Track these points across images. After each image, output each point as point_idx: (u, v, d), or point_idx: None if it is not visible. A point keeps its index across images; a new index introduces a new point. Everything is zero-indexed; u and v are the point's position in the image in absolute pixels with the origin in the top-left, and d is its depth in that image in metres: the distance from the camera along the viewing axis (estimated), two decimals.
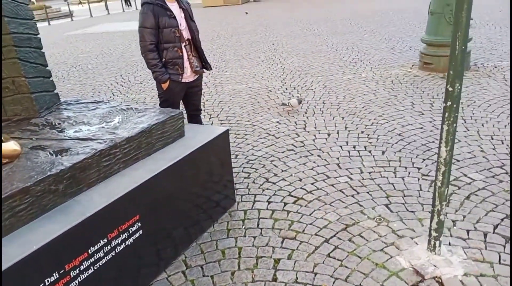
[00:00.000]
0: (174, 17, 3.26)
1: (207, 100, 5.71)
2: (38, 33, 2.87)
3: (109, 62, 9.00)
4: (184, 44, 3.36)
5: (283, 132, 4.38)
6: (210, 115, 5.12)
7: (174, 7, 3.31)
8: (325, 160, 3.67)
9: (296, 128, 4.48)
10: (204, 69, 3.61)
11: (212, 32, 12.67)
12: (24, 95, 2.76)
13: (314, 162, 3.65)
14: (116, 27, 16.48)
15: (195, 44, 3.47)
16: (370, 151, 3.77)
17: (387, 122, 4.42)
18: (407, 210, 2.84)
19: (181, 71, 3.37)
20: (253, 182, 3.40)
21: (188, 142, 2.71)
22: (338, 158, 3.68)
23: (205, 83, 6.61)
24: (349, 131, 4.27)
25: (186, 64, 3.40)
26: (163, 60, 3.32)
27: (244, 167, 3.66)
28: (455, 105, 1.98)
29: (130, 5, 29.23)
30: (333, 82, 6.12)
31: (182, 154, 2.51)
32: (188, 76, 3.46)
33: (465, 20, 1.83)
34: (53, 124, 2.62)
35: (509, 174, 3.17)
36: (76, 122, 2.63)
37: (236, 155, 3.92)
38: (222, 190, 2.95)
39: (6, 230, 1.77)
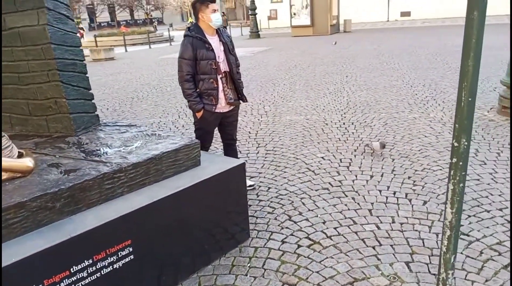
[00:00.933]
0: (212, 50, 3.35)
1: (261, 129, 5.75)
2: (84, 59, 3.14)
3: None
4: (220, 76, 3.44)
5: (324, 169, 4.22)
6: (259, 144, 5.13)
7: (214, 40, 3.41)
8: (357, 204, 3.46)
9: (340, 166, 4.29)
10: (240, 101, 3.65)
11: (290, 62, 12.83)
12: (64, 115, 3.01)
13: (345, 204, 3.45)
14: None
15: (232, 77, 3.54)
16: (410, 200, 3.47)
17: (440, 169, 4.04)
18: (429, 272, 2.54)
19: (215, 102, 3.44)
20: (275, 218, 3.30)
21: (200, 172, 2.73)
22: (372, 204, 3.44)
23: (265, 112, 6.68)
24: (394, 174, 3.99)
25: (221, 95, 3.47)
26: (198, 90, 3.42)
27: (271, 202, 3.59)
28: (461, 163, 1.75)
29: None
30: (396, 120, 5.80)
31: (188, 184, 2.54)
32: (222, 106, 3.52)
33: (471, 69, 1.63)
34: (81, 143, 2.82)
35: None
36: (101, 144, 2.80)
37: (269, 188, 3.86)
38: (234, 224, 2.91)
39: None
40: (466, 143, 1.73)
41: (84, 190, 2.21)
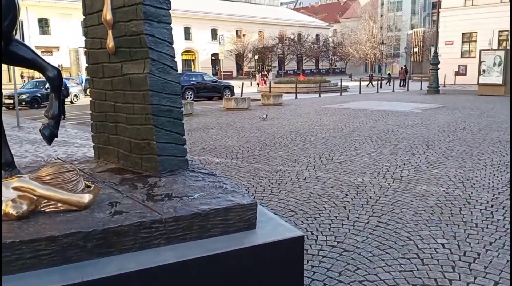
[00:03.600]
0: None
1: (385, 195, 5.10)
2: (181, 107, 3.31)
3: (331, 137, 9.33)
4: None
5: (437, 260, 3.43)
6: (374, 212, 4.53)
7: None
8: None
9: (460, 260, 3.44)
10: None
11: (460, 123, 11.40)
12: (153, 156, 3.19)
13: None
14: (370, 105, 16.99)
15: None
16: None
17: None
18: None
19: None
20: None
21: (250, 236, 2.50)
22: None
23: (400, 176, 5.96)
24: None
25: None
26: None
27: None
28: None
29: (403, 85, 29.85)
30: None
31: (227, 247, 2.34)
32: None
33: None
34: (154, 185, 2.92)
35: None
36: (170, 189, 2.85)
37: (357, 268, 3.31)
38: None
39: (25, 267, 2.06)
40: None
41: (118, 235, 2.23)
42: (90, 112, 3.81)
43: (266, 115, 13.16)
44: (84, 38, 3.78)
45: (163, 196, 2.70)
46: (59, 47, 42.32)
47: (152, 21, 3.17)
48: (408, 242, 3.81)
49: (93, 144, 3.84)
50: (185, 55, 60.03)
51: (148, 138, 3.19)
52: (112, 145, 3.58)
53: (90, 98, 3.80)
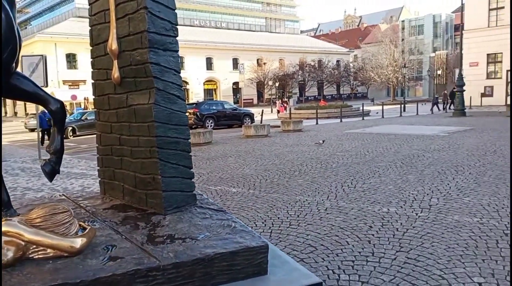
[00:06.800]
0: None
1: (413, 227, 4.71)
2: (189, 138, 3.11)
3: (354, 164, 8.97)
4: None
5: None
6: (402, 247, 4.16)
7: None
8: None
9: None
10: None
11: (490, 146, 10.87)
12: (158, 191, 2.98)
13: None
14: (394, 129, 16.55)
15: None
16: None
17: None
18: None
19: None
20: None
21: (260, 284, 2.22)
22: None
23: (429, 206, 5.56)
24: None
25: None
26: None
27: None
28: None
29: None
30: None
31: None
32: None
33: None
34: (157, 225, 2.69)
35: None
36: (173, 230, 2.61)
37: None
38: None
39: None
40: None
41: None
42: (97, 145, 3.67)
43: (323, 141, 12.82)
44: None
45: (165, 237, 2.46)
46: (85, 80, 43.60)
47: (157, 49, 3.03)
48: (441, 281, 3.43)
49: (99, 179, 3.68)
50: (207, 84, 60.99)
51: (153, 173, 3.00)
52: (118, 180, 3.40)
53: (97, 131, 3.66)
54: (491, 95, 34.55)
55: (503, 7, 33.70)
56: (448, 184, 6.80)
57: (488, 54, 35.25)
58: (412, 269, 3.69)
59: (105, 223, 2.75)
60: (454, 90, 26.73)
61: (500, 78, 34.05)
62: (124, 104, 3.23)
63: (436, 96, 34.98)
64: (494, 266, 3.68)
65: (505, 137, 12.61)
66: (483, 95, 34.82)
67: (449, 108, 29.31)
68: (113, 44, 3.20)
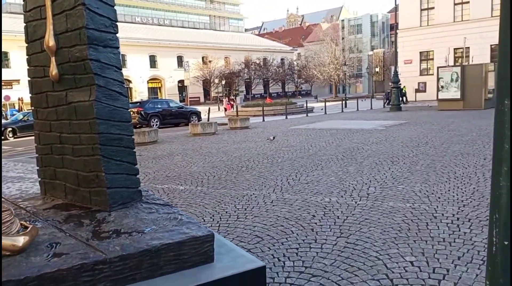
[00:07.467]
0: None
1: (353, 214, 5.01)
2: (132, 134, 3.12)
3: (298, 158, 9.27)
4: None
5: (406, 279, 3.33)
6: (342, 233, 4.41)
7: None
8: None
9: (429, 277, 3.35)
10: None
11: (422, 138, 11.63)
12: (102, 188, 2.97)
13: None
14: (336, 124, 17.20)
15: None
16: None
17: None
18: None
19: None
20: None
21: (208, 271, 2.31)
22: None
23: (367, 194, 5.91)
24: None
25: None
26: None
27: None
28: None
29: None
30: None
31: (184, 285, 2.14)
32: None
33: None
34: (101, 221, 2.69)
35: None
36: (119, 225, 2.63)
37: None
38: None
39: None
40: None
41: (56, 281, 2.00)
42: (35, 145, 3.56)
43: (274, 137, 13.16)
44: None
45: (110, 232, 2.48)
46: (19, 80, 41.11)
47: (97, 45, 3.01)
48: (377, 262, 3.70)
49: (39, 179, 3.58)
50: (151, 83, 59.65)
51: (96, 170, 2.98)
52: (59, 179, 3.34)
53: (35, 130, 3.56)
54: (425, 91, 36.76)
55: (433, 8, 35.99)
56: (385, 173, 7.24)
57: (420, 52, 37.49)
58: (351, 252, 3.94)
59: (48, 222, 2.70)
60: (390, 86, 28.10)
61: (432, 74, 36.30)
62: (63, 101, 3.17)
63: (388, 91, 36.59)
64: (424, 246, 4.01)
65: (436, 129, 13.54)
66: (417, 90, 36.98)
67: (388, 104, 30.86)
68: (50, 40, 3.14)
